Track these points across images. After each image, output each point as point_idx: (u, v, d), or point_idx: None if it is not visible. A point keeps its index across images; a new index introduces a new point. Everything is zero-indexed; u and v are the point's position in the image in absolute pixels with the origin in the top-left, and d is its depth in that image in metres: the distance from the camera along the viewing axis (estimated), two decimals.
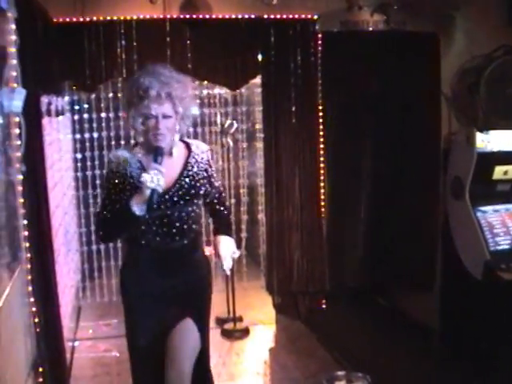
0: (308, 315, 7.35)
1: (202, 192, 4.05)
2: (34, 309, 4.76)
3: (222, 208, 4.39)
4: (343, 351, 6.47)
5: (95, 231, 4.33)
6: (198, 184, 4.01)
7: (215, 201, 4.33)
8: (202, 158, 4.09)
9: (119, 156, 3.94)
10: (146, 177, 3.64)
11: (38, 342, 4.86)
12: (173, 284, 4.00)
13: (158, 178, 3.65)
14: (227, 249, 4.17)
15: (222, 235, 4.28)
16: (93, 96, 7.41)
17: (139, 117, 3.81)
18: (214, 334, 6.81)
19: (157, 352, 4.00)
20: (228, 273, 4.24)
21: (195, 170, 4.02)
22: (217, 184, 4.29)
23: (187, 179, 3.97)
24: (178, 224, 3.97)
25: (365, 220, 7.53)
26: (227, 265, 4.09)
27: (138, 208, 3.70)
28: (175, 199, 3.91)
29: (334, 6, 7.24)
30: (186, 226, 4.00)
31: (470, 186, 6.19)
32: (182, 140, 4.08)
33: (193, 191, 3.97)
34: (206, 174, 4.08)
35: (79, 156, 7.60)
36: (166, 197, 3.86)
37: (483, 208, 6.25)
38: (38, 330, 4.84)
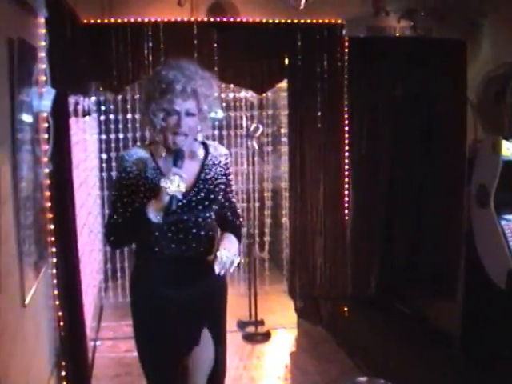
0: (329, 320, 7.33)
1: (220, 197, 3.76)
2: (58, 308, 4.79)
3: (234, 219, 3.96)
4: (364, 357, 6.43)
5: (105, 236, 3.78)
6: (217, 189, 3.73)
7: (228, 213, 3.91)
8: (220, 162, 3.79)
9: (133, 154, 3.64)
10: (165, 181, 3.37)
11: (61, 340, 4.89)
12: (188, 295, 3.72)
13: (178, 184, 3.38)
14: (229, 245, 3.63)
15: (228, 233, 3.79)
16: (119, 97, 7.42)
17: (160, 112, 3.51)
18: (236, 337, 6.82)
19: (170, 366, 3.79)
20: (217, 271, 3.50)
21: (212, 173, 3.74)
22: (231, 195, 3.92)
23: (205, 183, 3.69)
24: (194, 230, 3.68)
25: (388, 226, 7.51)
26: (220, 266, 3.50)
27: (153, 214, 3.44)
28: (193, 204, 3.63)
29: (361, 12, 7.27)
30: (202, 233, 3.71)
31: (494, 194, 6.16)
32: (198, 141, 3.80)
33: (212, 196, 3.69)
34: (223, 180, 3.78)
35: (104, 156, 7.62)
36: (184, 201, 3.54)
37: (508, 216, 6.21)
38: (61, 328, 4.87)
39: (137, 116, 7.43)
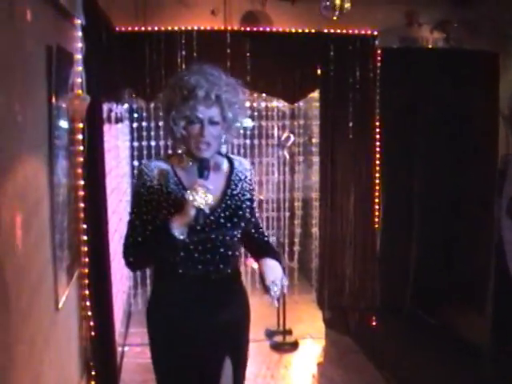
0: (357, 331, 7.31)
1: (247, 214, 3.51)
2: (89, 312, 4.82)
3: (261, 236, 3.73)
4: (392, 368, 6.40)
5: (124, 257, 3.38)
6: (244, 205, 3.49)
7: (253, 230, 3.68)
8: (246, 177, 3.56)
9: (153, 168, 3.34)
10: (191, 194, 3.12)
11: (91, 344, 4.92)
12: (214, 320, 3.43)
13: (205, 196, 3.13)
14: (277, 274, 3.33)
15: (269, 258, 3.45)
16: (151, 104, 7.45)
17: (181, 120, 3.26)
18: (263, 346, 6.82)
19: None
20: (276, 304, 3.31)
21: (239, 189, 3.50)
22: (255, 212, 3.72)
23: (233, 199, 3.43)
24: (222, 250, 3.41)
25: (418, 237, 7.49)
26: (276, 292, 3.25)
27: (178, 231, 3.17)
28: (221, 221, 3.35)
29: (393, 23, 7.25)
30: (230, 253, 3.46)
31: None
32: (221, 154, 3.53)
33: (240, 212, 3.45)
34: (249, 196, 3.55)
35: (136, 163, 7.64)
36: (212, 218, 3.29)
37: None
38: (92, 333, 4.90)
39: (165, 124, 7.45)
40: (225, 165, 3.52)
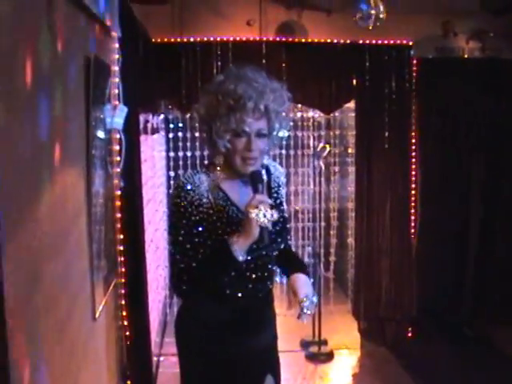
0: (394, 341, 7.28)
1: (288, 225, 3.41)
2: (125, 322, 4.84)
3: (288, 248, 3.58)
4: (429, 380, 6.38)
5: (175, 286, 3.14)
6: (286, 215, 3.40)
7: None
8: (282, 183, 3.43)
9: (198, 183, 3.09)
10: (254, 213, 2.90)
11: (128, 354, 4.94)
12: (257, 341, 3.31)
13: (268, 213, 2.91)
14: (309, 290, 3.19)
15: (299, 273, 3.29)
16: (187, 115, 7.48)
17: (226, 133, 3.01)
18: (299, 356, 6.83)
19: None
20: (305, 320, 3.14)
21: (280, 197, 3.37)
22: (286, 215, 3.51)
23: (278, 209, 3.16)
24: (270, 266, 3.29)
25: (455, 248, 7.45)
26: (308, 308, 3.12)
27: (240, 253, 2.97)
28: (273, 236, 3.13)
29: (429, 32, 7.26)
30: (274, 268, 3.37)
31: None
32: None
33: (287, 225, 3.37)
34: (285, 204, 3.43)
35: (172, 174, 7.68)
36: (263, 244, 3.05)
37: None
38: (128, 343, 4.92)
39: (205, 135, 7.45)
40: (264, 173, 3.23)
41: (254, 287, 3.21)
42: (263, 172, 3.18)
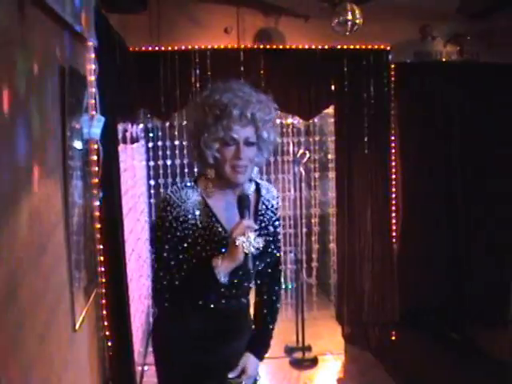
0: (378, 346, 7.29)
1: (274, 247, 3.34)
2: (107, 332, 4.82)
3: (275, 291, 3.53)
4: None
5: (157, 301, 3.19)
6: (272, 238, 3.30)
7: (269, 270, 3.45)
8: (272, 206, 3.34)
9: (185, 198, 3.07)
10: (241, 239, 2.89)
11: (110, 364, 4.92)
12: (228, 350, 3.32)
13: (255, 240, 2.91)
14: (254, 370, 3.41)
15: (254, 356, 3.41)
16: (167, 123, 7.46)
17: (214, 142, 3.00)
18: (283, 362, 6.80)
19: None
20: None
21: (266, 220, 3.30)
22: (279, 245, 3.46)
23: (262, 232, 3.18)
24: (246, 284, 3.29)
25: (438, 253, 7.47)
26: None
27: (224, 275, 2.97)
28: (257, 263, 3.17)
29: (407, 37, 7.28)
30: (250, 285, 3.37)
31: None
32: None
33: (269, 249, 3.27)
34: (273, 229, 3.33)
35: (152, 183, 7.65)
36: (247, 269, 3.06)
37: None
38: (110, 353, 4.90)
39: (185, 142, 7.44)
40: (251, 191, 3.25)
41: (227, 303, 3.22)
42: (250, 192, 3.19)
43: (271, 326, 3.52)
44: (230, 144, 3.02)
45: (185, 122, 3.37)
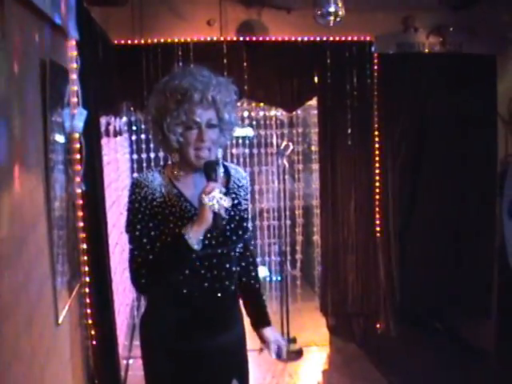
0: (362, 337, 7.31)
1: (249, 225, 3.44)
2: (91, 326, 4.82)
3: (251, 270, 3.60)
4: (398, 375, 6.40)
5: (133, 279, 3.15)
6: (245, 216, 3.35)
7: (243, 244, 3.52)
8: (243, 185, 3.40)
9: (152, 179, 3.15)
10: (207, 198, 2.93)
11: (94, 358, 4.91)
12: (221, 342, 3.28)
13: (221, 199, 2.95)
14: (277, 337, 3.60)
15: (266, 327, 3.56)
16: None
17: (177, 127, 3.07)
18: (268, 355, 6.79)
19: None
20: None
21: (239, 198, 3.34)
22: (250, 224, 3.55)
23: (235, 209, 3.24)
24: (227, 265, 3.26)
25: (420, 243, 7.49)
26: (280, 353, 3.59)
27: (196, 240, 2.97)
28: (227, 234, 3.19)
29: (390, 28, 7.27)
30: (234, 268, 3.33)
31: None
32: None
33: (244, 224, 3.32)
34: (246, 206, 3.40)
35: (137, 175, 7.63)
36: (214, 233, 3.09)
37: None
38: (94, 346, 4.90)
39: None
40: (221, 171, 3.28)
41: (211, 286, 3.20)
42: (219, 163, 3.20)
43: (255, 277, 3.63)
44: (193, 127, 3.08)
45: (146, 109, 3.31)
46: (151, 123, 3.21)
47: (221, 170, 3.26)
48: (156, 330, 3.29)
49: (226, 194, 3.18)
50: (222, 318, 3.30)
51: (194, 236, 2.98)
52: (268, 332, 3.55)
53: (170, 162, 3.27)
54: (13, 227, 2.87)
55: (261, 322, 3.58)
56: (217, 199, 2.95)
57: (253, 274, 3.61)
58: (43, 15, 3.49)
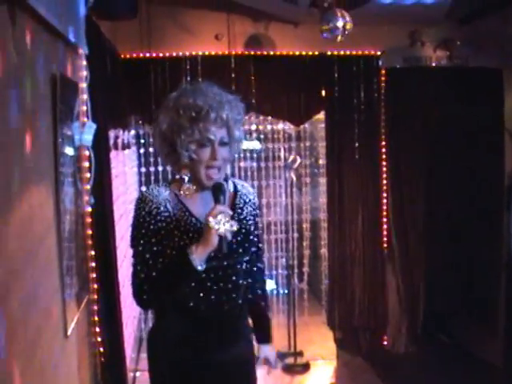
0: (369, 351, 7.30)
1: (255, 239, 3.42)
2: (99, 338, 4.83)
3: (257, 288, 3.58)
4: None
5: (136, 295, 3.15)
6: (252, 229, 3.35)
7: (254, 268, 3.54)
8: (250, 200, 3.41)
9: (157, 194, 3.12)
10: (214, 221, 2.93)
11: (101, 371, 4.92)
12: (228, 357, 3.28)
13: (228, 223, 2.95)
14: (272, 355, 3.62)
15: (262, 344, 3.59)
16: None
17: (190, 144, 3.06)
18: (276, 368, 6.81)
19: None
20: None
21: (245, 213, 3.34)
22: (259, 240, 3.58)
23: (241, 223, 3.24)
24: (234, 278, 3.25)
25: (428, 256, 7.49)
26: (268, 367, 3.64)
27: (199, 261, 2.97)
28: (234, 247, 3.17)
29: (396, 42, 7.29)
30: (241, 281, 3.31)
31: None
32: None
33: (250, 237, 3.32)
34: (254, 221, 3.40)
35: (144, 189, 7.64)
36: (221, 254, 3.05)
37: None
38: (102, 359, 4.90)
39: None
40: (230, 188, 3.34)
41: (218, 299, 3.19)
42: (226, 185, 3.21)
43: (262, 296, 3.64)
44: (206, 145, 3.08)
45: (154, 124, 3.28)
46: (159, 139, 3.20)
47: (230, 187, 3.32)
48: (163, 343, 3.27)
49: (233, 209, 3.24)
50: (229, 330, 3.28)
51: (198, 257, 2.97)
52: (262, 349, 3.57)
53: (177, 177, 3.26)
54: (23, 239, 2.89)
55: (260, 339, 3.60)
56: (223, 223, 2.94)
57: (258, 291, 3.60)
58: (54, 30, 3.51)
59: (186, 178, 3.19)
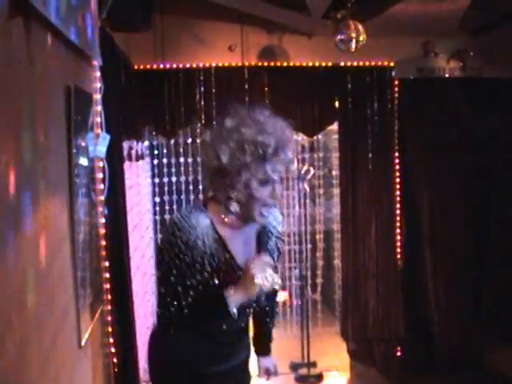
0: (383, 362, 7.28)
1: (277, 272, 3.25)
2: (113, 349, 4.83)
3: (266, 306, 3.55)
4: None
5: (163, 326, 3.17)
6: (275, 261, 3.25)
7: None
8: (278, 233, 3.38)
9: (195, 224, 3.00)
10: (261, 276, 2.86)
11: (115, 381, 4.92)
12: (231, 365, 3.36)
13: (274, 278, 2.90)
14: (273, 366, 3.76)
15: (264, 356, 3.74)
16: (172, 141, 7.48)
17: (254, 181, 2.93)
18: (288, 379, 6.82)
19: None
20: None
21: (270, 246, 3.31)
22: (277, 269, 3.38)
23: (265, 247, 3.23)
24: (248, 310, 3.32)
25: (443, 270, 7.46)
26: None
27: (235, 307, 2.96)
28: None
29: (410, 53, 7.30)
30: (251, 309, 3.37)
31: None
32: None
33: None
34: (278, 252, 3.40)
35: (158, 200, 7.67)
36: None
37: None
38: (116, 370, 4.91)
39: (189, 160, 7.45)
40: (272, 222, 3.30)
41: (229, 326, 3.23)
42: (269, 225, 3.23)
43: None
44: (269, 183, 2.98)
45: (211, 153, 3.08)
46: (213, 169, 3.04)
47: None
48: (172, 353, 3.32)
49: (259, 240, 3.25)
50: (238, 343, 3.38)
51: (235, 303, 2.96)
52: (262, 360, 3.76)
53: (210, 195, 3.16)
54: (37, 249, 2.90)
55: (261, 352, 3.76)
56: (269, 279, 2.88)
57: (266, 308, 3.59)
58: (68, 41, 3.53)
59: (233, 211, 3.06)
